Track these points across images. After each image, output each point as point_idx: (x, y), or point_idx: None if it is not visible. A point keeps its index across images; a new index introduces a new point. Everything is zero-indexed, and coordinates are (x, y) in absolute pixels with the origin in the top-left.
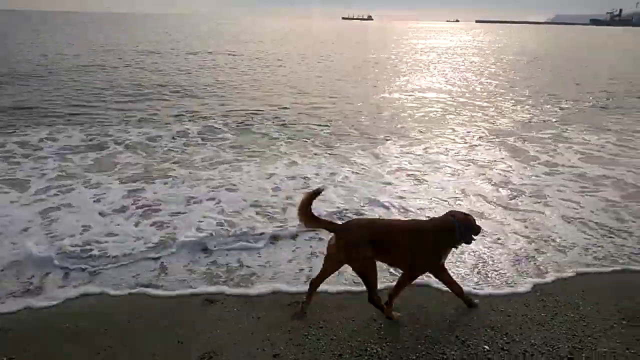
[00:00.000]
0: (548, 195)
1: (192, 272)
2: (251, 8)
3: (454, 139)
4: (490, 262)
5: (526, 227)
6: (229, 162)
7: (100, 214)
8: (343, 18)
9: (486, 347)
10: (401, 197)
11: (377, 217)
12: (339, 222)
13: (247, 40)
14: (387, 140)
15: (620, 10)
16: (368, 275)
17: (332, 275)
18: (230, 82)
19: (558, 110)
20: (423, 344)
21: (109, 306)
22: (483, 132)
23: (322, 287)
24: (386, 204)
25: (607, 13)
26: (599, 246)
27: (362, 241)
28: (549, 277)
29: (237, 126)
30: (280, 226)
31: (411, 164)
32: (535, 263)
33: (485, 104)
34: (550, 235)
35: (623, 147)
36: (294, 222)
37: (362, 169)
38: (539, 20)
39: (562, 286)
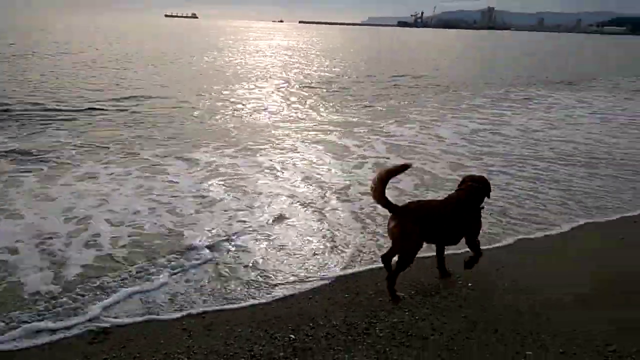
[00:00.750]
0: (351, 192)
1: None
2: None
3: (272, 141)
4: (295, 258)
5: (327, 224)
6: (4, 173)
7: None
8: (166, 15)
9: (292, 336)
10: (214, 205)
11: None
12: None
13: (51, 38)
14: (201, 144)
15: (422, 14)
16: (411, 257)
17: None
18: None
19: (374, 106)
20: (232, 344)
21: None
22: (303, 132)
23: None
24: (198, 215)
25: (412, 16)
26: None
27: (414, 223)
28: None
29: (18, 128)
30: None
31: (226, 169)
32: (337, 255)
33: (308, 105)
34: (336, 234)
35: (424, 137)
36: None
37: (172, 177)
38: (354, 22)
39: (364, 272)
